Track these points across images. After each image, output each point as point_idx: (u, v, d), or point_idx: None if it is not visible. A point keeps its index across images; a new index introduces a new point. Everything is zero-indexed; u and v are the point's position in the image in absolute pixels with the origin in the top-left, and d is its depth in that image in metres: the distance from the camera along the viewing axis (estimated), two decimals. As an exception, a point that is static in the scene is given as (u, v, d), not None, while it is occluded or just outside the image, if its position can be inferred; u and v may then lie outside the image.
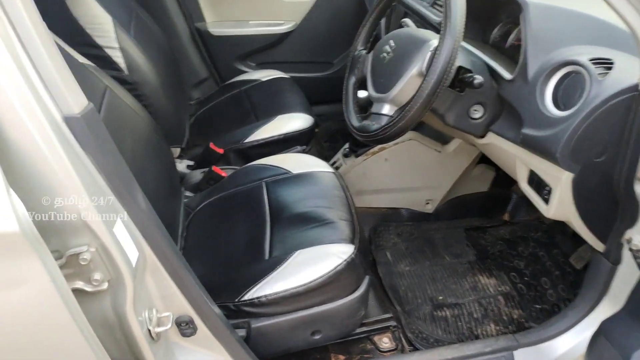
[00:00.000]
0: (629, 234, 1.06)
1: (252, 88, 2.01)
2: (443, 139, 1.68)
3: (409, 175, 1.71)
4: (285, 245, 1.20)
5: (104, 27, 1.38)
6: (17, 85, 0.59)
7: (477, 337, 1.38)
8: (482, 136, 1.22)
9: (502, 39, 1.30)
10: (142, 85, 1.46)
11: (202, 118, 1.98)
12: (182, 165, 1.68)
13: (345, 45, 2.35)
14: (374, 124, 1.12)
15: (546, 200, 1.09)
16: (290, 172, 1.46)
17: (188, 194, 1.56)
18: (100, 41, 1.38)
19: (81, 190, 0.65)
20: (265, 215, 1.32)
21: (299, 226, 1.25)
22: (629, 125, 0.91)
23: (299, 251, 1.14)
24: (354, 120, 1.20)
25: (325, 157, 2.24)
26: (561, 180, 1.02)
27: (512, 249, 1.71)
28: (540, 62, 1.01)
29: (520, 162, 1.15)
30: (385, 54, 1.13)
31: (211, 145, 1.67)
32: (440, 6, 1.43)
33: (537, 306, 1.50)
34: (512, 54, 1.26)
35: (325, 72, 2.38)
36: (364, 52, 1.28)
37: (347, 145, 1.77)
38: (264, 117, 1.78)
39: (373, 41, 1.31)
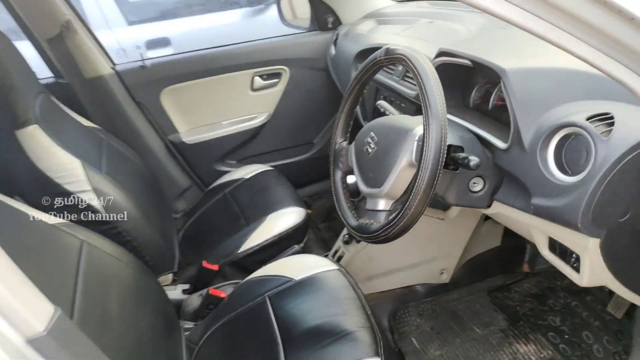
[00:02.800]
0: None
1: (237, 189, 1.94)
2: (443, 206, 1.60)
3: (417, 250, 1.62)
4: (304, 372, 1.08)
5: (73, 173, 1.32)
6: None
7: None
8: (489, 206, 1.14)
9: (484, 101, 1.26)
10: (122, 223, 1.38)
11: (191, 232, 1.89)
12: (177, 292, 1.57)
13: (324, 122, 2.35)
14: (373, 223, 1.04)
15: (576, 269, 0.99)
16: (292, 279, 1.36)
17: (188, 324, 1.44)
18: (71, 187, 1.31)
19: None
20: (276, 336, 1.21)
21: (314, 345, 1.13)
22: None
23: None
24: (351, 220, 1.12)
25: (324, 240, 2.16)
26: (588, 248, 0.93)
27: (542, 304, 1.60)
28: (534, 127, 0.95)
29: (536, 230, 1.07)
30: (368, 147, 1.07)
31: (204, 264, 1.57)
32: (411, 78, 1.41)
33: (588, 367, 1.36)
34: (496, 115, 1.21)
35: (308, 153, 2.35)
36: (344, 143, 1.23)
37: (345, 232, 1.68)
38: (254, 220, 1.70)
39: (352, 130, 1.26)
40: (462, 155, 0.94)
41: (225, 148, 2.19)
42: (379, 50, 1.06)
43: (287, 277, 1.37)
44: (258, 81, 2.12)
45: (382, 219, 1.05)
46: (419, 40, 1.49)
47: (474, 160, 0.93)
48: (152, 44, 3.06)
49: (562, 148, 0.91)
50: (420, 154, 0.93)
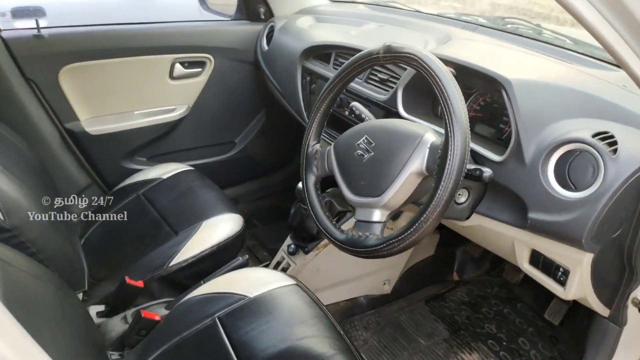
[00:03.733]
0: (635, 294, 1.04)
1: (153, 190, 1.67)
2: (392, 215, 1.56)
3: (365, 261, 1.55)
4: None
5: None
6: None
7: None
8: (468, 218, 1.11)
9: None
10: (25, 229, 1.07)
11: (95, 240, 1.57)
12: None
13: (247, 120, 2.17)
14: (367, 236, 0.94)
15: (562, 282, 1.01)
16: (246, 296, 1.19)
17: (113, 355, 1.17)
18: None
19: None
20: (234, 366, 1.03)
21: (288, 375, 0.99)
22: None
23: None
24: (336, 233, 1.00)
25: (258, 248, 1.99)
26: (582, 263, 0.94)
27: (476, 312, 1.65)
28: (536, 142, 0.94)
29: (519, 243, 1.06)
30: (361, 152, 0.97)
31: (128, 280, 1.31)
32: (376, 81, 1.34)
33: (528, 373, 1.43)
34: (471, 126, 1.20)
35: (228, 153, 2.15)
36: (317, 146, 1.10)
37: (289, 242, 1.55)
38: (184, 228, 1.47)
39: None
40: (474, 166, 0.89)
41: (135, 143, 1.89)
42: (375, 47, 0.96)
43: (239, 294, 1.19)
44: (179, 69, 1.87)
45: (377, 230, 0.95)
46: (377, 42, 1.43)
47: (487, 172, 0.88)
48: (21, 13, 2.54)
49: (565, 164, 0.91)
50: (433, 163, 0.86)
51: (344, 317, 1.57)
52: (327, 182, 1.12)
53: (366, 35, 1.52)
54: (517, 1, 3.36)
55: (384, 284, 1.63)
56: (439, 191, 0.82)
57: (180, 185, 1.69)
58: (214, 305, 1.18)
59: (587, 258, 0.94)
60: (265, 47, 1.92)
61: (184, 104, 1.95)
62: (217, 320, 1.14)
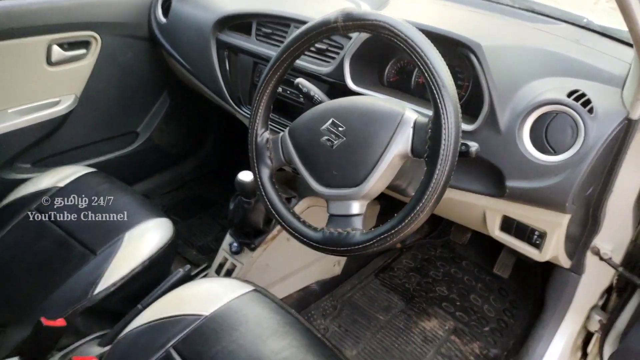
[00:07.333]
0: (596, 243, 1.08)
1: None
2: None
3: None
4: None
5: None
6: None
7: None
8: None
9: (401, 79, 1.16)
10: None
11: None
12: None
13: (148, 105, 1.90)
14: (349, 232, 0.83)
15: (537, 246, 1.00)
16: (201, 315, 1.02)
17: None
18: None
19: None
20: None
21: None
22: (615, 155, 0.87)
23: None
24: (309, 232, 0.88)
25: (186, 245, 1.78)
26: (561, 225, 0.94)
27: (425, 276, 1.65)
28: (509, 107, 0.89)
29: (491, 211, 1.03)
30: (329, 138, 0.84)
31: (44, 321, 1.06)
32: (312, 52, 1.20)
33: (486, 329, 1.46)
34: (421, 94, 1.13)
35: (131, 146, 1.87)
36: (267, 134, 0.95)
37: (230, 240, 1.38)
38: (103, 245, 1.23)
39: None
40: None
41: (14, 148, 1.54)
42: (332, 14, 0.82)
43: (192, 314, 1.02)
44: (57, 52, 1.54)
45: (358, 224, 0.85)
46: (306, 8, 1.27)
47: (474, 146, 0.81)
48: None
49: (541, 127, 0.87)
50: (421, 144, 0.77)
51: (300, 308, 1.47)
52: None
53: (288, 0, 1.35)
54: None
55: (334, 265, 1.55)
56: (435, 176, 0.73)
57: (85, 191, 1.41)
58: (164, 333, 1.00)
59: (565, 219, 0.93)
60: (162, 19, 1.65)
61: (70, 94, 1.62)
62: (173, 351, 0.97)
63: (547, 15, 1.10)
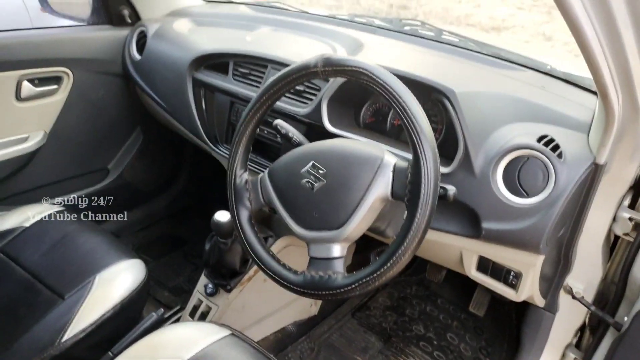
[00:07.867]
0: (568, 282, 1.10)
1: (14, 244, 1.32)
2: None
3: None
4: None
5: None
6: None
7: None
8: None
9: (377, 121, 1.18)
10: None
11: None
12: None
13: (120, 142, 1.86)
14: (332, 276, 0.82)
15: (513, 286, 1.01)
16: (178, 362, 0.99)
17: None
18: None
19: None
20: None
21: None
22: (584, 197, 0.91)
23: None
24: (290, 276, 0.87)
25: (158, 286, 1.72)
26: (535, 265, 0.96)
27: (401, 314, 1.64)
28: (482, 151, 0.91)
29: (467, 252, 1.05)
30: (309, 181, 0.84)
31: (6, 373, 1.00)
32: (291, 93, 1.21)
33: (463, 368, 1.46)
34: (397, 135, 1.15)
35: (101, 182, 1.82)
36: (246, 175, 0.95)
37: (205, 282, 1.34)
38: (71, 288, 1.18)
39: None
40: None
41: (-23, 186, 1.49)
42: (312, 59, 0.83)
43: (167, 362, 0.99)
44: (28, 87, 1.51)
45: (339, 267, 0.84)
46: (283, 50, 1.29)
47: (451, 189, 0.82)
48: None
49: (514, 170, 0.90)
50: (400, 188, 0.78)
51: (277, 351, 1.43)
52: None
53: (264, 41, 1.37)
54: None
55: (311, 305, 1.53)
56: (416, 219, 0.74)
57: (52, 231, 1.36)
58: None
59: (540, 260, 0.95)
60: (137, 56, 1.65)
61: (38, 131, 1.58)
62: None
63: (514, 62, 1.15)
